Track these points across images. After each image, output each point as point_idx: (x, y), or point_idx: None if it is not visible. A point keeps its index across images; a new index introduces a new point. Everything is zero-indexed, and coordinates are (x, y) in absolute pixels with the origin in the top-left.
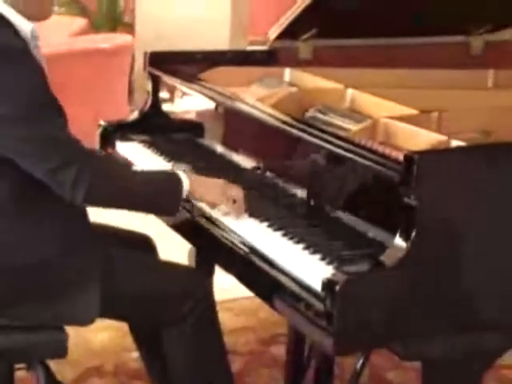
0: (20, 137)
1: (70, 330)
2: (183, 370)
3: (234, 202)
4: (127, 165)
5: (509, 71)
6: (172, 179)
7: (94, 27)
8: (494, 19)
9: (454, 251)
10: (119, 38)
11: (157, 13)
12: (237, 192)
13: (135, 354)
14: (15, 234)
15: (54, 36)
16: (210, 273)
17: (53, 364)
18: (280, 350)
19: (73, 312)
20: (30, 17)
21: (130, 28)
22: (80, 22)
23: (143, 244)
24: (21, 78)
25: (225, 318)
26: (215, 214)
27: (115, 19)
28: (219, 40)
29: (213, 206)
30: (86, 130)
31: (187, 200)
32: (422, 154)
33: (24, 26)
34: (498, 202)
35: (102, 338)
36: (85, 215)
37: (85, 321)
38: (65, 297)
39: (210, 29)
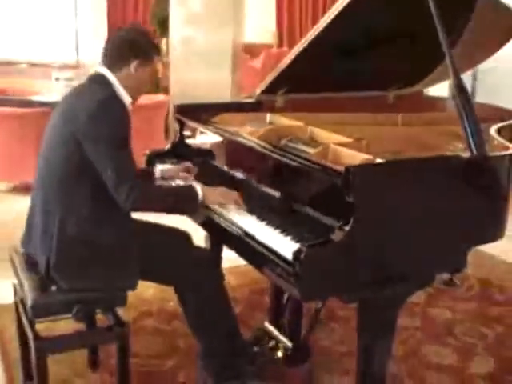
0: (104, 159)
1: None
2: (196, 316)
3: (235, 202)
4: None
5: (410, 114)
6: (190, 190)
7: None
8: (401, 82)
9: (377, 230)
10: (157, 98)
11: (184, 78)
12: (235, 195)
13: (172, 303)
14: (92, 219)
15: None
16: (220, 250)
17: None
18: (265, 299)
19: (120, 281)
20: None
21: (166, 89)
22: None
23: (182, 235)
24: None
25: (229, 278)
26: (222, 211)
27: (155, 85)
28: (224, 94)
29: (220, 205)
30: (138, 157)
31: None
32: (356, 167)
33: (125, 98)
34: (404, 197)
35: (150, 291)
36: (130, 215)
37: (129, 288)
38: (116, 267)
39: (218, 87)
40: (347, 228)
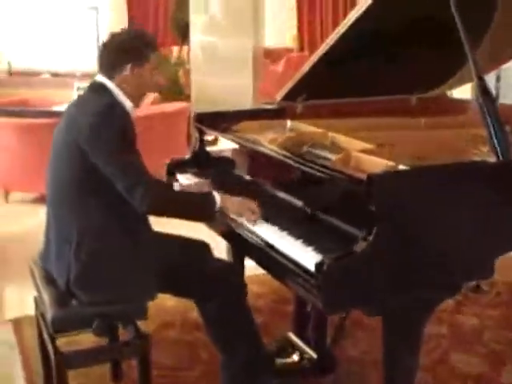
0: (112, 165)
1: None
2: (217, 328)
3: (252, 211)
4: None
5: (434, 117)
6: (208, 197)
7: (164, 98)
8: (424, 85)
9: (401, 240)
10: (179, 105)
11: (205, 84)
12: (253, 205)
13: (194, 313)
14: (108, 233)
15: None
16: (242, 262)
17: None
18: (289, 307)
19: (140, 290)
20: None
21: (188, 96)
22: (153, 96)
23: (201, 246)
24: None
25: (252, 287)
26: (242, 221)
27: (177, 92)
28: (245, 100)
29: (238, 215)
30: (160, 165)
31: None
32: (378, 175)
33: (127, 104)
34: (428, 204)
35: (171, 301)
36: (148, 226)
37: (148, 298)
38: (134, 280)
39: (240, 93)
40: (370, 238)
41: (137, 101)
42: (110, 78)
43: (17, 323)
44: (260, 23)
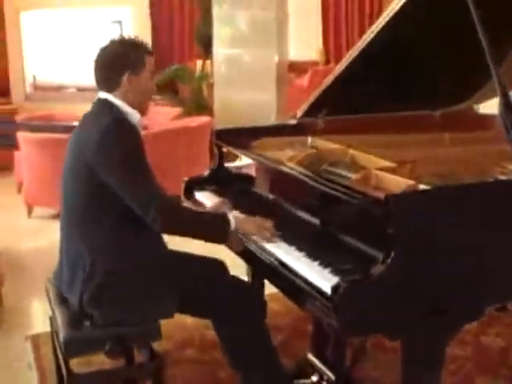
0: (122, 184)
1: None
2: (233, 350)
3: (270, 232)
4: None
5: (458, 133)
6: (223, 218)
7: (187, 112)
8: (449, 100)
9: (422, 264)
10: (202, 119)
11: (228, 98)
12: (268, 224)
13: (213, 331)
14: (121, 253)
15: (161, 119)
16: (262, 281)
17: None
18: (309, 326)
19: (157, 310)
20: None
21: (211, 110)
22: (177, 110)
23: (218, 264)
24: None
25: (271, 305)
26: (258, 240)
27: (200, 106)
28: (269, 115)
29: (253, 234)
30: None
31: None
32: (396, 195)
33: (134, 116)
34: (451, 226)
35: (191, 319)
36: (162, 243)
37: (166, 316)
38: (151, 299)
39: (263, 108)
40: (387, 261)
41: (143, 109)
42: (110, 92)
43: (35, 339)
44: (284, 36)
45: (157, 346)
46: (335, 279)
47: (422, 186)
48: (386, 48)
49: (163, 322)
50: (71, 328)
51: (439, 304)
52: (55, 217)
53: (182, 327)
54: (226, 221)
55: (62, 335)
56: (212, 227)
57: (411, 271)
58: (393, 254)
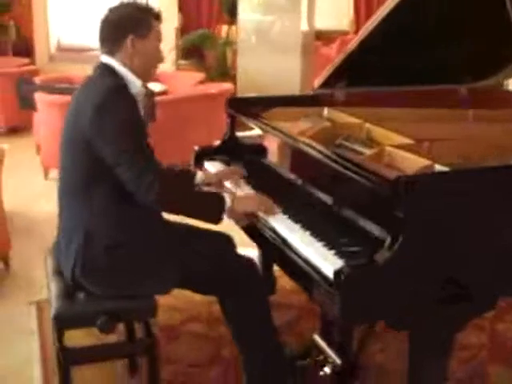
0: (117, 152)
1: None
2: (236, 325)
3: (267, 210)
4: (188, 183)
5: (484, 110)
6: (216, 197)
7: (210, 79)
8: (475, 74)
9: (431, 251)
10: (223, 86)
11: (251, 67)
12: (268, 203)
13: None
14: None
15: (183, 85)
16: (271, 259)
17: (164, 311)
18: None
19: (153, 285)
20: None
21: (234, 77)
22: (200, 76)
23: (223, 238)
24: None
25: (284, 282)
26: (266, 218)
27: (224, 73)
28: (293, 83)
29: (250, 211)
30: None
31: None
32: (408, 177)
33: (135, 84)
34: (467, 212)
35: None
36: (160, 216)
37: (161, 292)
38: (148, 273)
39: (287, 76)
40: (394, 248)
41: (145, 76)
42: (112, 55)
43: (39, 305)
44: (312, 3)
45: (163, 319)
46: (339, 262)
47: (438, 167)
48: (411, 18)
49: (171, 296)
50: (63, 300)
51: (450, 293)
52: None
53: (190, 302)
54: (222, 201)
55: (53, 307)
56: (206, 204)
57: (420, 260)
58: (401, 239)
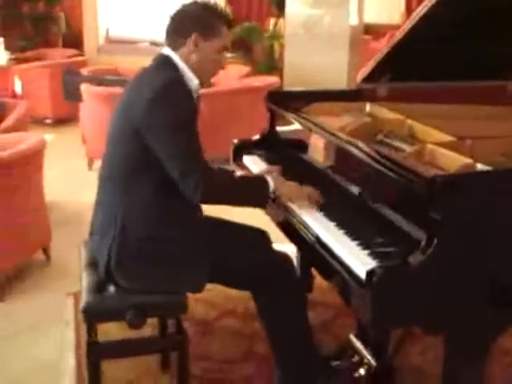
0: (168, 147)
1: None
2: (269, 322)
3: (309, 198)
4: (230, 175)
5: None
6: (261, 181)
7: (257, 72)
8: None
9: (468, 255)
10: (269, 79)
11: (298, 61)
12: (313, 191)
13: None
14: (157, 216)
15: (228, 78)
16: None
17: (201, 305)
18: None
19: (186, 281)
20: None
21: (281, 71)
22: (246, 69)
23: (259, 234)
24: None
25: (321, 280)
26: (301, 212)
27: (271, 66)
28: (341, 78)
29: (292, 199)
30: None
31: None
32: (445, 177)
33: (193, 81)
34: (508, 216)
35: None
36: (198, 211)
37: (195, 290)
38: (182, 268)
39: (335, 70)
40: (429, 250)
41: (203, 79)
42: (174, 50)
43: (76, 297)
44: None
45: (199, 314)
46: (372, 263)
47: (479, 166)
48: (459, 9)
49: (209, 291)
50: (93, 293)
51: (489, 298)
52: None
53: (226, 298)
54: (266, 184)
55: (83, 299)
56: (251, 190)
57: (459, 260)
58: (436, 241)
